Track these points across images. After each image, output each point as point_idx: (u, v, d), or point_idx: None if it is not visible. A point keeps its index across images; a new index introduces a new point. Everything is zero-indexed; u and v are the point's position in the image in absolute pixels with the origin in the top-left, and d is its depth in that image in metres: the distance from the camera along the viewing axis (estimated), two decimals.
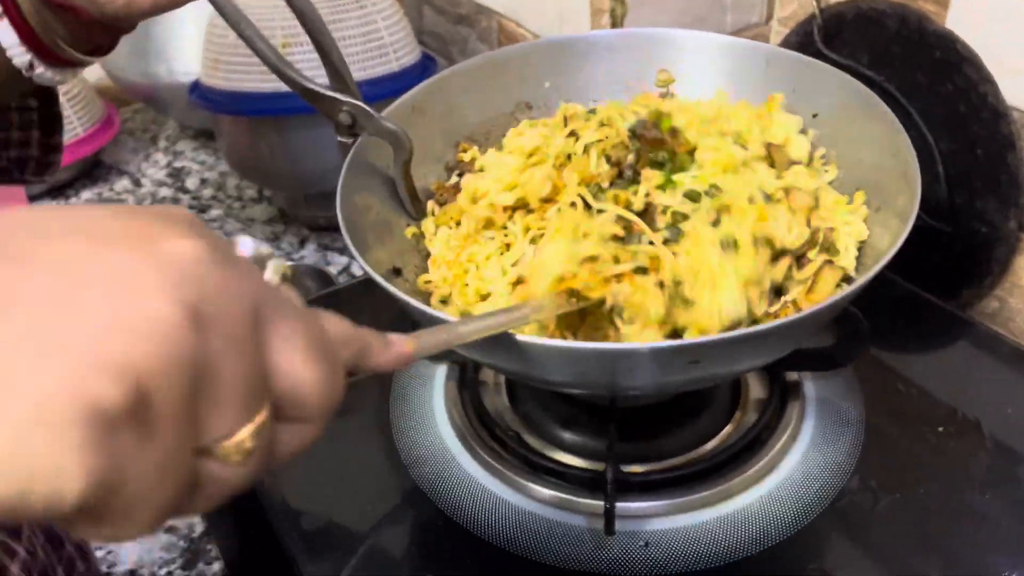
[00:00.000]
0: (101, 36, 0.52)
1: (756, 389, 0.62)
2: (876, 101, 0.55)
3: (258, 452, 0.26)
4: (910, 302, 0.71)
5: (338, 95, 0.53)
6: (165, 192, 1.12)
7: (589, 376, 0.46)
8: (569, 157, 0.54)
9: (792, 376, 0.62)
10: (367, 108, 0.54)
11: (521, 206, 0.55)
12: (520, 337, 0.42)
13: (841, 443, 0.58)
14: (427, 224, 0.60)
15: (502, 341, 0.42)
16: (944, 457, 0.57)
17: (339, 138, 0.56)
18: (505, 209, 0.55)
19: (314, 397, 0.27)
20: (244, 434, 0.25)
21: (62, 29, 0.49)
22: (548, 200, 0.53)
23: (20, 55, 0.48)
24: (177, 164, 1.18)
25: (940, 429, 0.58)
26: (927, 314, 0.70)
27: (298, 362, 0.26)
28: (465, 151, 0.65)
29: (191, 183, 1.14)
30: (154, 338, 0.22)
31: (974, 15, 0.68)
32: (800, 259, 0.51)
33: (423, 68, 0.95)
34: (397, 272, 0.55)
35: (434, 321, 0.44)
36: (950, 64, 0.70)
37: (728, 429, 0.59)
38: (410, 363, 0.35)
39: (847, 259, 0.52)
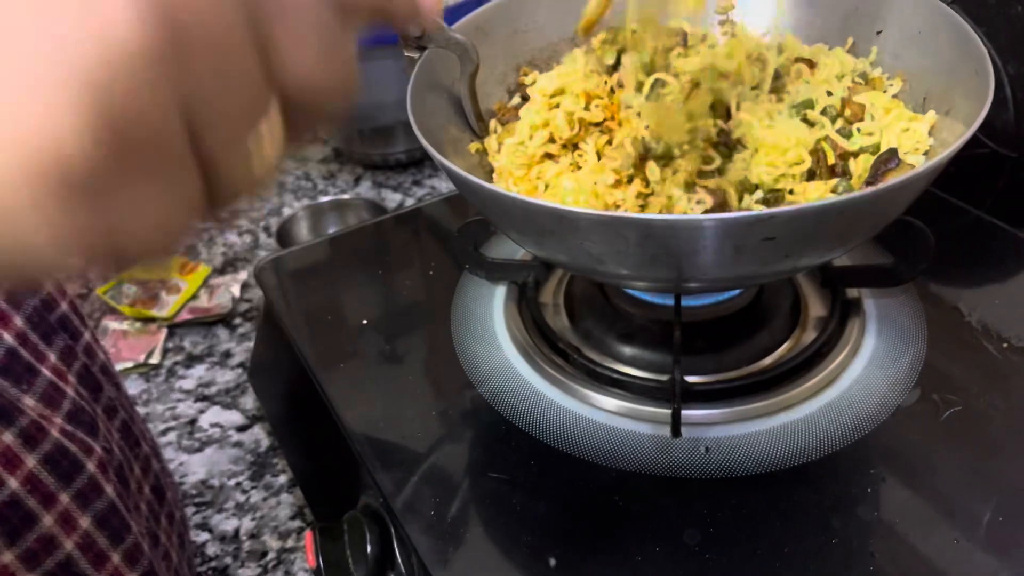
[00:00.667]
0: None
1: (816, 307, 0.62)
2: (946, 10, 0.54)
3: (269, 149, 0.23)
4: (976, 227, 0.70)
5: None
6: None
7: (656, 259, 0.45)
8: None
9: (853, 293, 0.62)
10: (439, 21, 0.55)
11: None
12: (588, 211, 0.42)
13: (903, 359, 0.58)
14: (490, 142, 0.61)
15: (566, 220, 0.43)
16: (1008, 371, 0.57)
17: (405, 52, 0.57)
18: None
19: (325, 95, 0.24)
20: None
21: None
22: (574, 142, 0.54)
23: None
24: None
25: (1005, 345, 0.58)
26: (993, 240, 0.69)
27: (307, 61, 0.23)
28: (526, 75, 0.65)
29: None
30: None
31: None
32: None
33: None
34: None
35: (511, 204, 0.44)
36: None
37: (788, 344, 0.60)
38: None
39: (912, 159, 0.51)
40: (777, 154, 0.48)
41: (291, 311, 0.68)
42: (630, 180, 0.52)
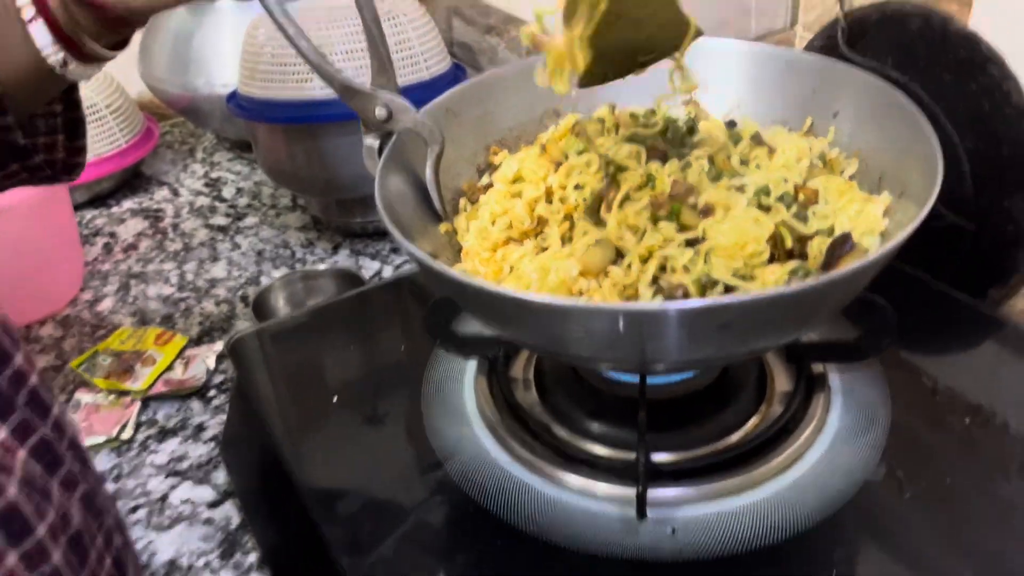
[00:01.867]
0: (121, 30, 0.55)
1: (782, 382, 0.63)
2: (894, 92, 0.56)
3: None
4: (938, 300, 0.71)
5: (378, 90, 0.55)
6: (202, 201, 1.15)
7: (617, 344, 0.46)
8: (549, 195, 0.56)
9: (818, 368, 0.62)
10: (406, 102, 0.56)
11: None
12: (549, 299, 0.43)
13: (867, 435, 0.58)
14: (459, 221, 0.62)
15: (529, 307, 0.43)
16: (970, 449, 0.57)
17: (366, 141, 0.58)
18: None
19: None
20: None
21: (88, 25, 0.52)
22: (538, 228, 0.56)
23: (54, 54, 0.51)
24: (214, 174, 1.22)
25: (967, 420, 0.59)
26: (955, 312, 0.70)
27: None
28: (496, 154, 0.67)
29: (227, 192, 1.17)
30: None
31: (996, 16, 0.69)
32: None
33: (453, 77, 0.97)
34: (432, 258, 0.57)
35: (476, 293, 0.45)
36: (974, 64, 0.71)
37: (755, 420, 0.60)
38: None
39: (867, 241, 0.53)
40: (736, 250, 0.49)
41: (262, 387, 0.68)
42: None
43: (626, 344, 0.45)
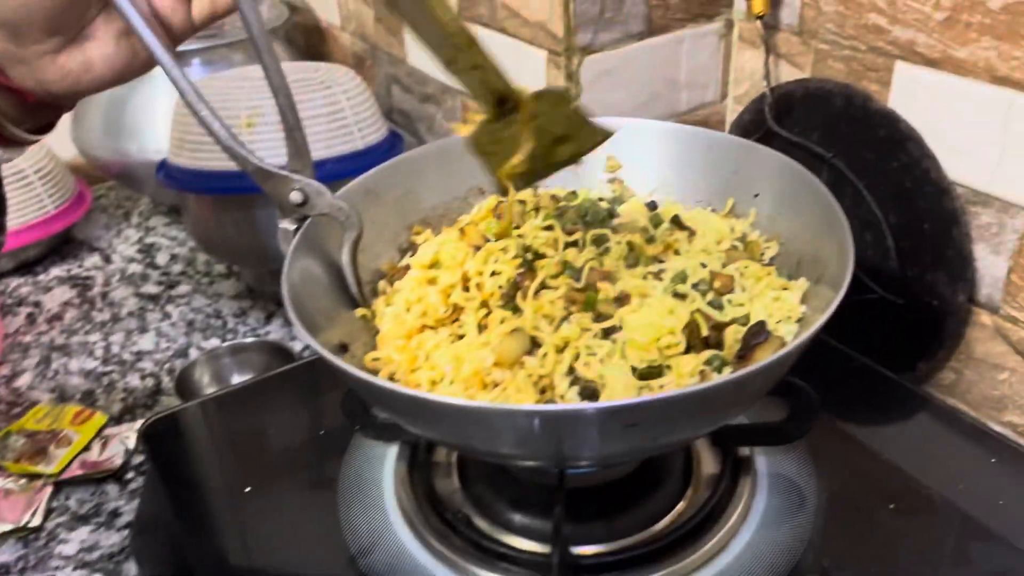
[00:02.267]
0: (45, 115, 0.53)
1: (708, 465, 0.61)
2: (810, 177, 0.56)
3: None
4: (865, 376, 0.71)
5: (292, 173, 0.54)
6: (135, 268, 1.13)
7: (530, 443, 0.45)
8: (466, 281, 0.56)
9: (744, 451, 0.61)
10: (321, 187, 0.54)
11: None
12: (457, 400, 0.42)
13: (793, 521, 0.57)
14: (378, 303, 0.60)
15: (440, 408, 0.42)
16: (898, 535, 0.56)
17: (281, 225, 0.56)
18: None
19: None
20: None
21: (9, 110, 0.50)
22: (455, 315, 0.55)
23: None
24: (148, 240, 1.19)
25: (892, 506, 0.58)
26: (882, 388, 0.70)
27: None
28: (419, 233, 0.66)
29: (161, 259, 1.14)
30: None
31: (914, 95, 0.70)
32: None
33: (389, 146, 0.96)
34: (344, 348, 0.55)
35: (380, 392, 0.44)
36: (894, 141, 0.72)
37: (680, 507, 0.59)
38: None
39: (784, 329, 0.52)
40: (651, 341, 0.49)
41: (173, 475, 0.65)
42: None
43: (536, 444, 0.44)
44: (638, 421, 0.42)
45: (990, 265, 0.70)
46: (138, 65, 0.51)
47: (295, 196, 0.55)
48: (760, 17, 0.79)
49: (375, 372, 0.56)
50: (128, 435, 0.83)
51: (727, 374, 0.46)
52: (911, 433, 0.67)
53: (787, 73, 0.81)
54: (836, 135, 0.76)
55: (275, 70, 0.51)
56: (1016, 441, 0.64)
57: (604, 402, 0.40)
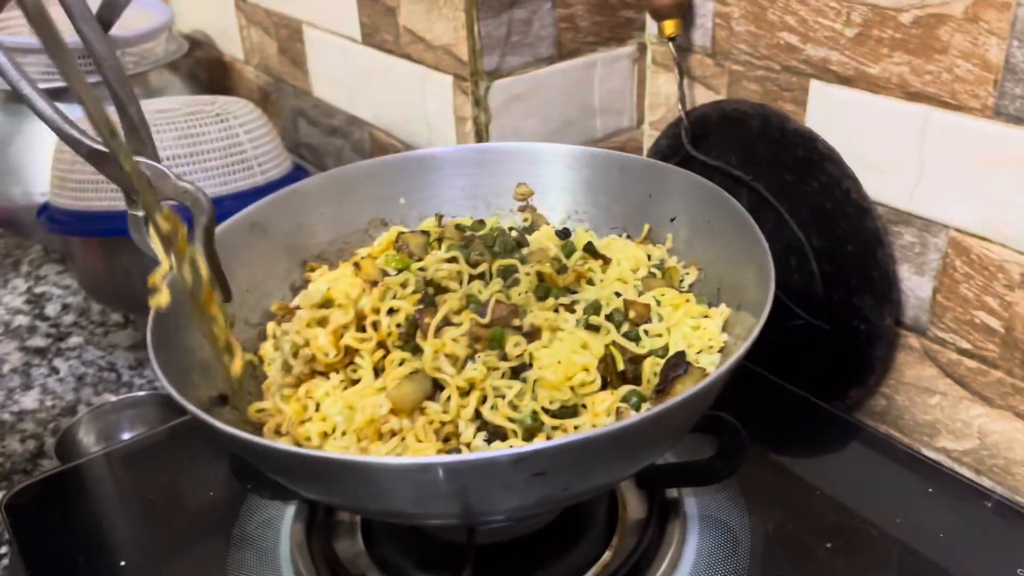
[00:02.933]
0: None
1: (634, 509, 0.57)
2: (727, 198, 0.53)
3: None
4: (795, 406, 0.68)
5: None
6: (21, 320, 1.04)
7: (428, 500, 0.40)
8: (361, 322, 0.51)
9: (672, 493, 0.57)
10: (163, 168, 0.48)
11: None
12: (336, 455, 0.37)
13: (726, 565, 0.53)
14: (266, 347, 0.54)
15: (322, 465, 0.37)
16: (833, 574, 0.53)
17: (129, 211, 0.50)
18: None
19: None
20: None
21: None
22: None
23: None
24: (38, 289, 1.11)
25: (829, 545, 0.54)
26: (813, 418, 0.67)
27: None
28: (313, 270, 0.61)
29: (51, 309, 1.06)
30: None
31: (830, 114, 0.68)
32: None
33: (293, 180, 0.91)
34: (223, 400, 0.49)
35: (256, 450, 0.39)
36: (813, 162, 0.69)
37: (606, 557, 0.54)
38: None
39: (705, 360, 0.48)
40: (563, 380, 0.44)
41: (42, 552, 0.58)
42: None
43: (435, 500, 0.39)
44: (545, 469, 0.37)
45: (915, 286, 0.67)
46: None
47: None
48: (672, 39, 0.76)
49: (261, 425, 0.50)
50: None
51: (644, 411, 0.42)
52: (846, 464, 0.64)
53: (703, 96, 0.79)
54: (754, 157, 0.74)
55: (95, 38, 0.45)
56: (952, 468, 0.62)
57: (504, 449, 0.35)
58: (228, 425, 0.40)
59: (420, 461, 0.36)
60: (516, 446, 0.42)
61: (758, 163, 0.74)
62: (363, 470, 0.36)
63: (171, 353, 0.46)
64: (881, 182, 0.67)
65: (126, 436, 0.81)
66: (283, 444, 0.43)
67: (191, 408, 0.41)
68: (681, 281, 0.56)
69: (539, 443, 0.37)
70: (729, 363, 0.40)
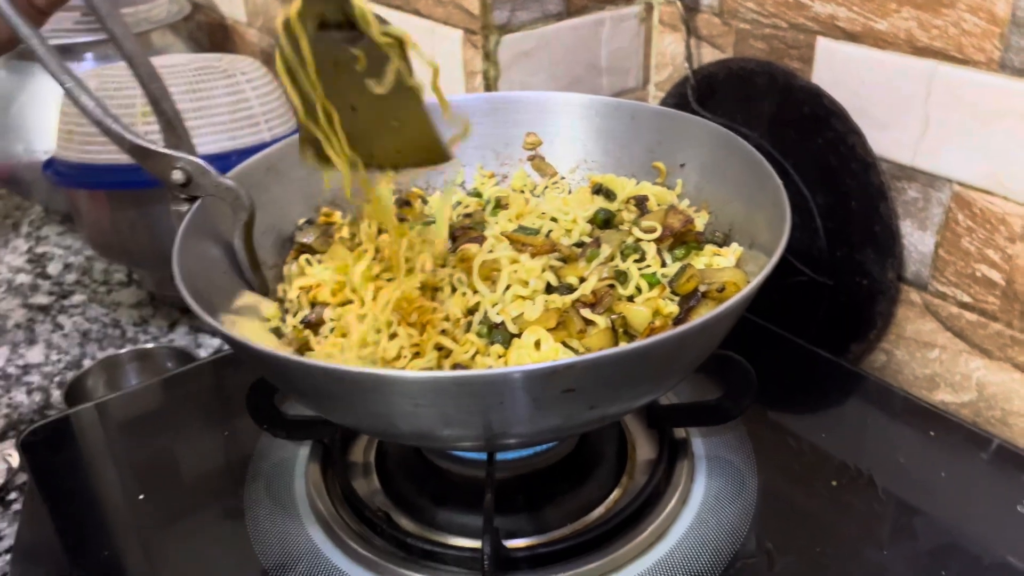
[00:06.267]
0: None
1: (644, 449, 0.58)
2: (736, 140, 0.54)
3: None
4: (799, 357, 0.69)
5: (171, 151, 0.49)
6: (23, 278, 1.04)
7: (458, 418, 0.41)
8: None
9: (680, 433, 0.58)
10: (203, 164, 0.49)
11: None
12: (381, 371, 0.38)
13: (734, 504, 0.54)
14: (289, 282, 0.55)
15: (361, 382, 0.37)
16: (840, 513, 0.54)
17: (172, 207, 0.51)
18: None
19: None
20: None
21: None
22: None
23: None
24: (39, 249, 1.11)
25: (833, 483, 0.56)
26: (816, 369, 0.68)
27: None
28: (328, 215, 0.61)
29: (53, 268, 1.06)
30: None
31: (836, 70, 0.69)
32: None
33: None
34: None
35: (285, 367, 0.39)
36: (818, 118, 0.70)
37: (616, 494, 0.55)
38: None
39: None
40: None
41: (58, 490, 0.59)
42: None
43: (458, 417, 0.40)
44: (575, 386, 0.38)
45: (917, 241, 0.69)
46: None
47: (177, 176, 0.50)
48: None
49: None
50: (10, 453, 0.75)
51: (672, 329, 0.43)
52: (849, 411, 0.65)
53: (709, 55, 0.80)
54: (760, 115, 0.75)
55: (123, 35, 0.47)
56: (954, 414, 0.63)
57: (540, 364, 0.36)
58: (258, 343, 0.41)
59: (453, 375, 0.37)
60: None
61: (763, 121, 0.75)
62: (391, 383, 0.37)
63: (197, 289, 0.46)
64: (886, 138, 0.68)
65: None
66: (309, 359, 0.44)
67: (214, 324, 0.41)
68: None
69: (572, 358, 0.37)
70: (750, 287, 0.41)
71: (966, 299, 0.67)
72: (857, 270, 0.72)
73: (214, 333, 0.42)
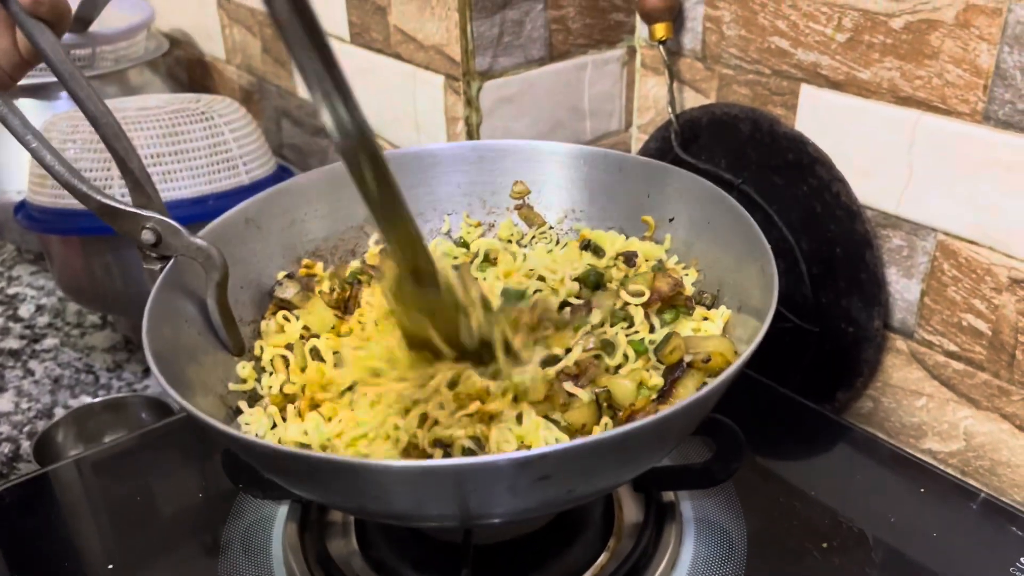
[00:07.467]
0: None
1: (631, 512, 0.57)
2: (726, 198, 0.53)
3: None
4: (786, 408, 0.68)
5: (140, 210, 0.47)
6: None
7: (432, 503, 0.40)
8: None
9: (668, 496, 0.57)
10: (173, 223, 0.48)
11: None
12: (354, 460, 0.36)
13: (723, 569, 0.53)
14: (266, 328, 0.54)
15: (334, 469, 0.36)
16: (829, 574, 0.53)
17: (145, 264, 0.50)
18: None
19: None
20: None
21: None
22: None
23: None
24: (11, 290, 1.08)
25: (824, 545, 0.55)
26: (804, 420, 0.67)
27: None
28: (309, 267, 0.60)
29: (24, 311, 1.04)
30: None
31: (820, 118, 0.69)
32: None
33: (277, 181, 0.90)
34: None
35: (249, 446, 0.38)
36: (803, 165, 0.70)
37: (603, 559, 0.54)
38: None
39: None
40: None
41: (23, 554, 0.56)
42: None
43: (437, 503, 0.38)
44: (550, 473, 0.37)
45: (903, 289, 0.68)
46: None
47: (147, 236, 0.49)
48: (663, 43, 0.77)
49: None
50: None
51: (649, 416, 0.42)
52: (837, 465, 0.64)
53: (692, 99, 0.79)
54: (744, 161, 0.74)
55: (87, 97, 0.46)
56: (942, 469, 0.62)
57: (513, 453, 0.35)
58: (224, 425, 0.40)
59: (424, 464, 0.35)
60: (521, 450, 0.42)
61: (747, 167, 0.74)
62: (364, 472, 0.36)
63: (167, 355, 0.45)
64: (870, 186, 0.67)
65: (108, 439, 0.79)
66: (283, 446, 0.42)
67: (187, 405, 0.40)
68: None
69: (545, 447, 0.36)
70: (736, 364, 0.40)
71: (953, 348, 0.66)
72: (843, 317, 0.71)
73: (182, 410, 0.41)
